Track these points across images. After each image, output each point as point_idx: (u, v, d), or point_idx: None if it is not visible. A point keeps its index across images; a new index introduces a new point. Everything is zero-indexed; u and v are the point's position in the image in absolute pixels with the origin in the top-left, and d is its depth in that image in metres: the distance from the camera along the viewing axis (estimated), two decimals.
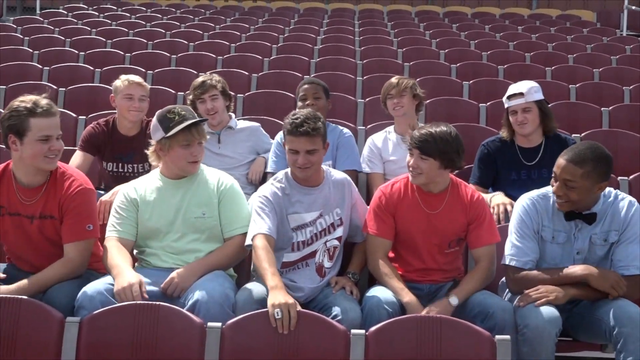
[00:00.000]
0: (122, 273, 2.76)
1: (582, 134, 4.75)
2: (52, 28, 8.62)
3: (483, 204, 3.08)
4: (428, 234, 3.04)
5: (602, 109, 5.50)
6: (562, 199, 2.84)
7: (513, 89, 3.80)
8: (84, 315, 2.64)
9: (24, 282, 2.79)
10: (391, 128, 4.17)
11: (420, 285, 3.08)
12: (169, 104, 3.32)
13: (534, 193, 2.99)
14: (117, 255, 2.87)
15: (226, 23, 9.46)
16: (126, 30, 8.51)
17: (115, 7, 10.66)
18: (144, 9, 10.60)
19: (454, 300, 2.88)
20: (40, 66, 6.48)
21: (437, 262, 3.09)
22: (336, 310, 2.82)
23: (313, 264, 3.06)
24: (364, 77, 6.46)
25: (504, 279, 3.06)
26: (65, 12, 10.15)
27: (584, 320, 2.88)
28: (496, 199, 3.56)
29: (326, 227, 3.07)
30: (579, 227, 2.91)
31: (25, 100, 2.83)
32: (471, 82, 6.25)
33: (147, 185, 3.06)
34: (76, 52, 7.15)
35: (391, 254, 3.12)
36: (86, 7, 10.68)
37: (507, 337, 2.59)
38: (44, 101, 2.84)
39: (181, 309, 2.67)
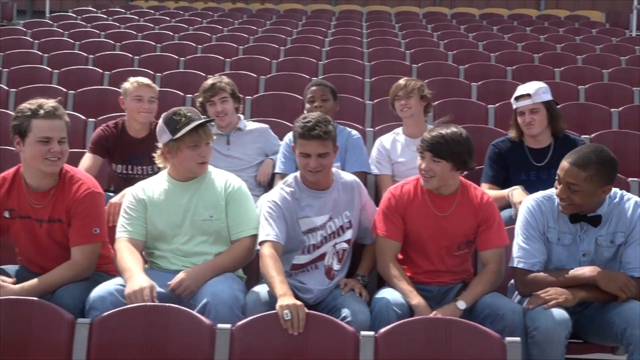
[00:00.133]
0: (134, 277, 2.76)
1: (592, 135, 4.73)
2: (62, 31, 8.67)
3: (493, 206, 3.07)
4: (437, 236, 3.04)
5: (612, 109, 5.48)
6: (566, 202, 2.83)
7: (521, 90, 3.79)
8: (96, 315, 2.65)
9: (28, 283, 2.80)
10: (399, 129, 4.16)
11: (429, 287, 3.07)
12: (178, 106, 3.33)
13: (539, 194, 2.98)
14: (129, 258, 2.87)
15: (234, 25, 9.49)
16: (135, 33, 8.55)
17: (123, 10, 10.72)
18: (153, 11, 10.65)
19: (461, 304, 2.87)
20: (50, 69, 6.52)
21: (446, 264, 3.09)
22: (345, 312, 2.82)
23: (322, 267, 3.06)
24: (372, 79, 6.46)
25: (513, 280, 3.05)
26: (75, 15, 10.21)
27: (595, 322, 2.86)
28: (517, 195, 3.51)
29: (335, 230, 3.07)
30: (585, 229, 2.89)
31: (32, 103, 2.86)
32: (479, 83, 6.24)
33: (155, 187, 3.06)
34: (85, 55, 7.19)
35: (400, 256, 3.12)
36: (95, 10, 10.74)
37: (518, 339, 2.58)
38: (49, 104, 2.86)
39: (191, 311, 2.67)
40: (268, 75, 6.48)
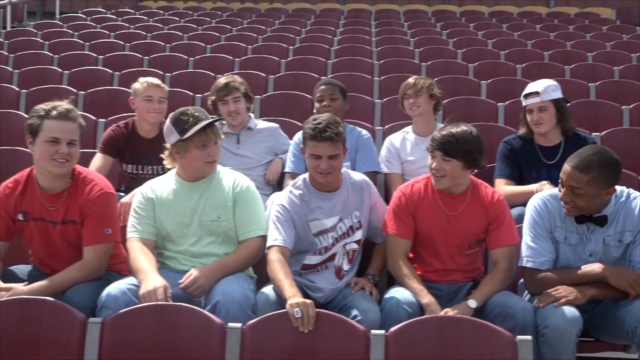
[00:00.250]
0: (148, 277, 2.77)
1: (603, 133, 4.70)
2: (72, 32, 8.71)
3: (503, 205, 3.06)
4: (448, 235, 3.03)
5: (623, 107, 5.44)
6: (569, 205, 2.81)
7: (530, 87, 3.79)
8: (107, 314, 2.66)
9: (38, 283, 2.81)
10: (409, 128, 4.16)
11: (440, 285, 3.07)
12: (187, 106, 3.34)
13: (546, 193, 2.97)
14: (142, 259, 2.88)
15: (243, 25, 9.50)
16: (144, 33, 8.57)
17: (133, 11, 10.75)
18: (162, 12, 10.67)
19: (472, 303, 2.86)
20: (60, 70, 6.55)
21: (456, 262, 3.08)
22: (355, 310, 2.82)
23: (332, 267, 3.06)
24: (381, 78, 6.45)
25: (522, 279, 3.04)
26: (84, 16, 10.25)
27: (606, 320, 2.85)
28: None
29: (346, 231, 3.07)
30: (591, 230, 2.88)
31: (48, 104, 2.88)
32: (489, 81, 6.22)
33: (163, 187, 3.06)
34: (95, 55, 7.22)
35: (410, 255, 3.12)
36: (105, 11, 10.78)
37: (529, 337, 2.57)
38: (63, 106, 2.87)
39: (202, 310, 2.68)
40: (277, 75, 6.49)
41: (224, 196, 3.01)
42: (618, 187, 2.87)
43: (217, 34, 8.54)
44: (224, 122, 4.11)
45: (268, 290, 2.89)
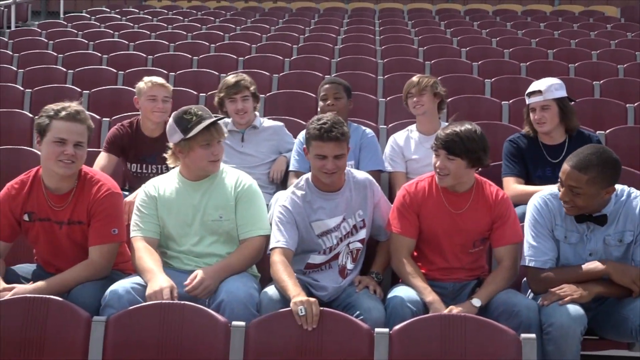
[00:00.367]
0: (155, 277, 2.77)
1: (607, 131, 4.69)
2: (76, 32, 8.73)
3: (507, 203, 3.06)
4: (452, 234, 3.03)
5: (627, 105, 5.43)
6: (569, 205, 2.81)
7: (533, 86, 3.78)
8: (111, 313, 2.67)
9: (42, 282, 2.81)
10: (413, 127, 4.15)
11: (444, 283, 3.07)
12: (191, 105, 3.35)
13: (546, 192, 2.96)
14: (148, 259, 2.87)
15: (247, 24, 9.51)
16: (148, 32, 8.59)
17: (137, 10, 10.77)
18: (166, 11, 10.69)
19: (477, 302, 2.86)
20: (65, 69, 6.57)
21: (460, 261, 3.08)
22: (359, 309, 2.82)
23: (336, 266, 3.07)
24: (385, 76, 6.44)
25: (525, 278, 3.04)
26: (89, 16, 10.27)
27: (610, 318, 2.85)
28: None
29: (350, 230, 3.07)
30: (591, 229, 2.87)
31: (58, 104, 2.88)
32: (493, 79, 6.21)
33: (166, 185, 3.05)
34: (99, 55, 7.23)
35: (414, 253, 3.11)
36: (109, 10, 10.80)
37: (533, 335, 2.57)
38: (73, 107, 2.87)
39: (206, 308, 2.68)
40: (281, 74, 6.49)
41: (226, 195, 3.00)
42: (618, 186, 2.87)
43: (221, 33, 8.54)
44: (228, 120, 4.12)
45: (272, 289, 2.88)
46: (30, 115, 5.07)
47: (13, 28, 10.33)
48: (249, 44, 7.78)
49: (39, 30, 8.90)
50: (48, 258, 3.02)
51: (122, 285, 2.79)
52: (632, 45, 7.90)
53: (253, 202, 3.02)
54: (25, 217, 2.94)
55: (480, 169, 3.07)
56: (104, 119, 4.95)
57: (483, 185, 3.08)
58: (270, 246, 2.94)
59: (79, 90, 5.76)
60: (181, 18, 9.96)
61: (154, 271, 2.81)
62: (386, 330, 2.60)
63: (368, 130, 4.08)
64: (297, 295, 2.67)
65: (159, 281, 2.74)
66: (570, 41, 8.13)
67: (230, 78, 4.11)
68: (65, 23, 9.66)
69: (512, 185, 3.60)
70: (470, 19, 10.06)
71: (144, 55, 7.20)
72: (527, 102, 3.79)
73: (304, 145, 3.08)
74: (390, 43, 7.98)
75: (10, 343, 2.60)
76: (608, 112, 5.39)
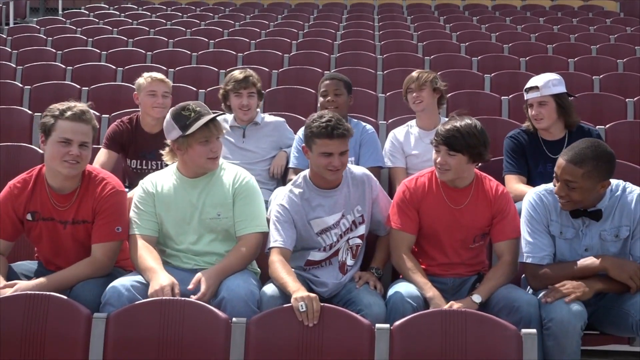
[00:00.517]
0: (156, 276, 2.76)
1: (607, 126, 4.69)
2: (75, 28, 8.72)
3: (507, 198, 3.06)
4: (452, 229, 3.03)
5: (627, 99, 5.43)
6: (564, 199, 2.80)
7: (530, 82, 3.76)
8: (111, 311, 2.67)
9: (44, 279, 2.81)
10: (413, 122, 4.15)
11: (444, 279, 3.07)
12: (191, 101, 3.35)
13: (541, 188, 2.96)
14: (148, 257, 2.86)
15: (246, 20, 9.49)
16: (147, 29, 8.58)
17: (135, 6, 10.75)
18: (164, 7, 10.67)
19: (477, 298, 2.86)
20: (64, 66, 6.56)
21: (461, 256, 3.08)
22: (360, 305, 2.83)
23: (336, 262, 3.07)
24: (385, 72, 6.44)
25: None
26: (87, 12, 10.26)
27: (611, 313, 2.85)
28: None
29: (349, 226, 3.07)
30: (587, 224, 2.87)
31: (63, 104, 2.86)
32: (492, 75, 6.21)
33: (164, 181, 3.02)
34: (98, 51, 7.22)
35: (414, 249, 3.11)
36: (107, 6, 10.78)
37: (534, 331, 2.57)
38: (78, 107, 2.85)
39: (207, 305, 2.68)
40: (280, 70, 6.49)
41: (224, 193, 2.98)
42: (613, 181, 2.86)
43: (220, 29, 8.53)
44: (229, 117, 4.11)
45: (272, 285, 2.88)
46: (30, 112, 5.06)
47: (12, 25, 10.31)
48: (248, 40, 7.77)
49: (38, 27, 8.89)
50: (49, 257, 3.01)
51: (122, 282, 2.78)
52: (632, 39, 7.89)
53: (251, 199, 2.99)
54: (29, 217, 2.93)
55: (480, 164, 3.07)
56: (103, 115, 4.95)
57: (483, 180, 3.07)
58: (268, 246, 2.94)
59: (78, 87, 5.75)
60: (180, 14, 9.94)
61: (154, 269, 2.80)
62: (387, 325, 2.60)
63: (368, 126, 4.08)
64: (297, 290, 2.67)
65: (160, 279, 2.74)
66: (570, 36, 8.13)
67: (238, 73, 4.09)
68: (64, 20, 9.65)
69: (515, 186, 3.58)
70: (470, 14, 10.04)
71: (143, 51, 7.19)
72: (525, 98, 3.78)
73: (303, 145, 3.06)
74: (390, 38, 7.97)
75: (11, 340, 2.60)
76: (608, 106, 5.39)
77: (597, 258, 2.82)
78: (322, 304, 2.63)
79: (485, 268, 3.14)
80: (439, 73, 4.32)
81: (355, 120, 4.10)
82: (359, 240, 3.09)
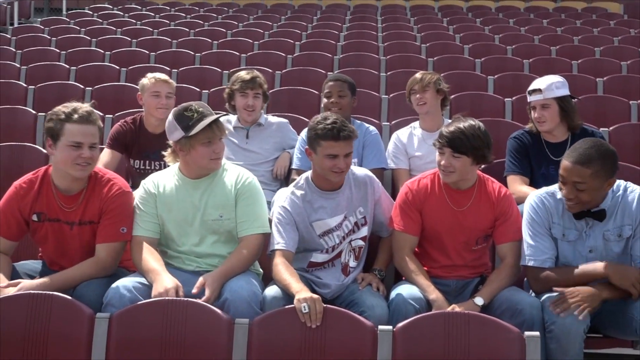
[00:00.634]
0: (160, 278, 2.76)
1: (610, 128, 4.68)
2: (79, 28, 8.73)
3: (510, 200, 3.06)
4: (455, 231, 3.03)
5: (631, 102, 5.42)
6: (573, 202, 2.79)
7: (534, 84, 3.76)
8: (112, 312, 2.66)
9: (48, 279, 2.81)
10: (416, 123, 4.15)
11: (447, 281, 3.06)
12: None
13: (542, 191, 2.95)
14: (151, 259, 2.85)
15: (249, 21, 9.50)
16: (151, 29, 8.59)
17: (139, 7, 10.76)
18: (168, 8, 10.68)
19: (479, 301, 2.86)
20: (68, 66, 6.57)
21: (463, 258, 3.07)
22: (363, 306, 2.82)
23: (339, 264, 3.06)
24: (388, 73, 6.43)
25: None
26: (91, 13, 10.27)
27: (615, 316, 2.84)
28: None
29: (351, 228, 3.06)
30: (590, 225, 2.86)
31: (67, 106, 2.85)
32: (496, 76, 6.20)
33: (166, 182, 3.00)
34: (102, 51, 7.23)
35: (417, 250, 3.11)
36: (111, 7, 10.80)
37: (537, 333, 2.57)
38: (84, 109, 2.84)
39: (209, 305, 2.68)
40: (283, 71, 6.48)
41: (226, 194, 2.96)
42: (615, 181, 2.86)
43: (224, 30, 8.53)
44: (232, 117, 4.12)
45: (275, 287, 2.87)
46: (34, 112, 5.07)
47: (16, 25, 10.33)
48: (251, 41, 7.77)
49: (42, 27, 8.91)
50: (54, 257, 3.01)
51: (124, 284, 2.77)
52: (636, 41, 7.88)
53: (253, 199, 2.97)
54: (34, 217, 2.92)
55: (483, 165, 3.07)
56: (107, 115, 4.95)
57: (485, 182, 3.07)
58: (270, 248, 2.94)
59: (82, 87, 5.76)
60: (183, 15, 9.96)
61: (157, 271, 2.79)
62: (389, 327, 2.60)
63: (372, 127, 4.07)
64: (300, 291, 2.67)
65: (164, 281, 2.73)
66: (573, 38, 8.12)
67: (245, 73, 4.08)
68: (68, 20, 9.66)
69: (518, 187, 3.57)
70: (473, 16, 10.04)
71: (147, 52, 7.20)
72: (528, 100, 3.78)
73: (306, 147, 3.06)
74: (393, 40, 7.97)
75: (14, 339, 2.61)
76: (611, 109, 5.38)
77: (599, 264, 2.81)
78: (324, 305, 2.63)
79: (488, 270, 3.14)
80: (442, 74, 4.32)
81: (359, 121, 4.10)
82: (361, 242, 3.09)
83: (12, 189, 2.96)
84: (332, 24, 9.17)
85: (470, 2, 11.66)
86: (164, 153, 3.08)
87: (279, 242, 2.92)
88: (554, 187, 2.93)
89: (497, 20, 9.57)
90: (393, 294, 2.91)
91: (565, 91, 3.73)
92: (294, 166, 3.98)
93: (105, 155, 3.97)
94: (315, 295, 2.64)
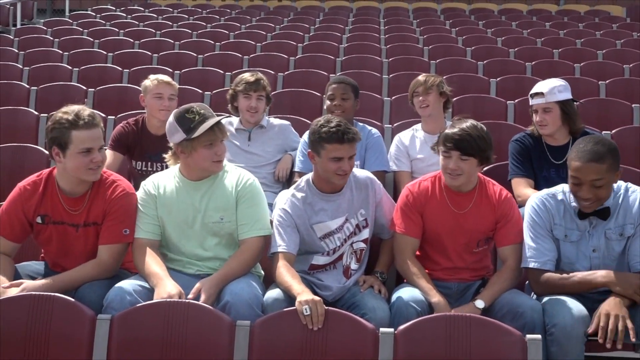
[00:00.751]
0: (162, 283, 2.74)
1: (613, 131, 4.68)
2: (81, 30, 8.75)
3: (511, 202, 3.05)
4: (456, 233, 3.02)
5: (633, 105, 5.42)
6: (590, 201, 2.80)
7: (536, 87, 3.75)
8: (113, 314, 2.66)
9: (50, 280, 2.81)
10: (418, 126, 4.15)
11: (448, 283, 3.06)
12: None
13: (543, 192, 2.95)
14: (153, 262, 2.84)
15: (252, 23, 9.51)
16: (153, 31, 8.60)
17: (142, 8, 10.78)
18: (171, 9, 10.70)
19: (480, 304, 2.85)
20: (70, 67, 6.58)
21: (465, 261, 3.07)
22: (364, 308, 2.82)
23: (340, 266, 3.06)
24: (390, 75, 6.44)
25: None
26: (94, 14, 10.29)
27: None
28: None
29: (353, 230, 3.06)
30: (593, 224, 2.87)
31: (68, 112, 2.82)
32: (498, 79, 6.21)
33: (166, 183, 2.98)
34: (105, 53, 7.25)
35: (418, 253, 3.11)
36: (114, 8, 10.82)
37: (538, 336, 2.56)
38: (86, 112, 2.83)
39: (210, 307, 2.68)
40: (286, 73, 6.49)
41: (227, 197, 2.94)
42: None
43: (226, 32, 8.55)
44: (234, 120, 4.12)
45: (276, 288, 2.87)
46: (36, 113, 5.08)
47: (19, 26, 10.35)
48: (254, 43, 7.78)
49: (45, 29, 8.92)
50: (57, 259, 3.00)
51: (125, 286, 2.75)
52: (638, 44, 7.87)
53: (253, 201, 2.95)
54: (38, 220, 2.92)
55: (485, 168, 3.06)
56: (109, 117, 4.96)
57: (486, 184, 3.07)
58: (272, 250, 2.93)
59: (84, 88, 5.77)
60: (186, 16, 9.97)
61: (160, 275, 2.78)
62: (391, 330, 2.60)
63: (374, 130, 4.07)
64: (302, 292, 2.67)
65: (167, 287, 2.72)
66: (576, 41, 8.11)
67: (249, 75, 4.08)
68: (71, 21, 9.68)
69: (523, 190, 3.56)
70: (476, 18, 10.05)
71: (149, 53, 7.21)
72: (530, 103, 3.78)
73: (309, 150, 3.05)
74: (396, 42, 7.97)
75: (15, 340, 2.61)
76: (614, 112, 5.38)
77: (599, 274, 2.81)
78: (326, 307, 2.63)
79: (490, 273, 3.13)
80: (444, 77, 4.32)
81: (361, 124, 4.09)
82: (362, 244, 3.09)
83: (16, 190, 2.95)
84: (334, 26, 9.18)
85: (473, 5, 11.67)
86: (165, 155, 3.07)
87: (280, 244, 2.92)
88: (555, 189, 2.93)
89: (500, 23, 9.58)
90: (394, 296, 2.90)
91: (567, 95, 3.73)
92: (296, 169, 3.98)
93: (107, 156, 3.95)
94: (316, 298, 2.64)
